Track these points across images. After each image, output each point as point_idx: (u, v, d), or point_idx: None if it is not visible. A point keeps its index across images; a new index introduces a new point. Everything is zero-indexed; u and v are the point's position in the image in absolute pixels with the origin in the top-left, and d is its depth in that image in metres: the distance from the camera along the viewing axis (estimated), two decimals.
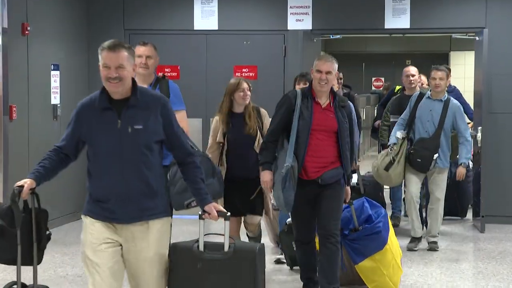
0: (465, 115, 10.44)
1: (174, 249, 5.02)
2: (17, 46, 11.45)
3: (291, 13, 13.17)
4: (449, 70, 10.63)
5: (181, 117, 6.53)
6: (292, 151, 7.00)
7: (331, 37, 15.89)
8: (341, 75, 12.06)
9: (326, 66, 7.01)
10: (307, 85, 8.52)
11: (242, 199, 7.89)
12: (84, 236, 4.79)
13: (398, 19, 13.16)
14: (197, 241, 4.94)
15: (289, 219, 8.36)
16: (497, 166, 12.81)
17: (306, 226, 7.31)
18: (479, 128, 12.35)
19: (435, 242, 9.99)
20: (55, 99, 13.05)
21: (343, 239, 7.51)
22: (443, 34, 16.40)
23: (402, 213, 11.44)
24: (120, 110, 4.68)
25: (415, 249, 9.83)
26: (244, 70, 12.88)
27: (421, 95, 9.99)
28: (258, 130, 7.96)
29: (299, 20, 13.12)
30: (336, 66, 7.16)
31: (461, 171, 9.74)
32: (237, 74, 12.59)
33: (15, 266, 4.91)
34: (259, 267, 4.98)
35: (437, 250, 9.95)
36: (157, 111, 4.76)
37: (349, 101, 7.82)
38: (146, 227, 4.75)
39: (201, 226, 4.96)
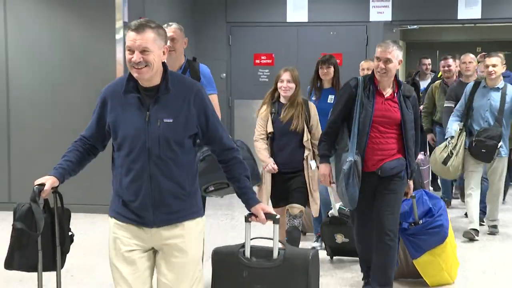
0: None
1: (217, 255, 4.48)
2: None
3: (373, 6, 13.63)
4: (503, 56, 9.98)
5: (212, 99, 5.83)
6: (354, 144, 6.35)
7: (409, 27, 15.82)
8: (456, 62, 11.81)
9: (385, 54, 6.13)
10: (331, 68, 8.68)
11: (283, 191, 7.35)
12: (110, 242, 4.28)
13: (470, 10, 13.50)
14: (243, 246, 4.42)
15: (331, 211, 8.18)
16: None
17: (368, 221, 6.68)
18: None
19: (495, 226, 9.59)
20: None
21: (402, 233, 7.09)
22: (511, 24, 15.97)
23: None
24: (149, 100, 4.05)
25: (476, 239, 9.25)
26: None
27: (476, 84, 9.36)
28: (305, 126, 7.30)
29: (380, 13, 13.57)
30: (398, 53, 6.20)
31: None
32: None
33: (35, 273, 4.34)
34: (312, 277, 4.38)
35: (497, 234, 9.53)
36: (190, 101, 4.06)
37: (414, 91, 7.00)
38: (178, 230, 4.12)
39: (247, 229, 4.38)
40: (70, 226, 4.37)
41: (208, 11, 14.52)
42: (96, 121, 4.17)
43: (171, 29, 6.26)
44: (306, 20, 13.87)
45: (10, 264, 4.18)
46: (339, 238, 7.94)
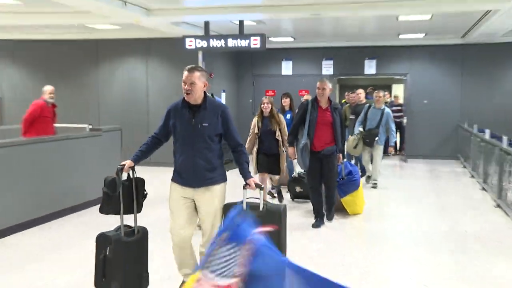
0: (392, 116, 10.39)
1: (225, 207, 4.62)
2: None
3: (323, 66, 15.74)
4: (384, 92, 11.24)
5: None
6: (306, 134, 6.88)
7: (342, 77, 16.68)
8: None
9: (321, 85, 6.94)
10: (288, 99, 9.23)
11: (266, 164, 7.81)
12: (170, 194, 4.67)
13: (370, 69, 15.57)
14: (242, 202, 4.55)
15: (294, 174, 8.85)
16: (412, 132, 15.25)
17: (316, 178, 7.21)
18: (405, 116, 15.50)
19: (376, 183, 10.48)
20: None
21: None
22: (389, 76, 17.53)
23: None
24: (194, 112, 4.38)
25: (377, 187, 10.35)
26: (303, 92, 13.88)
27: (369, 106, 10.20)
28: (277, 127, 7.72)
29: (327, 69, 15.80)
30: (328, 85, 7.01)
31: (391, 149, 10.33)
32: (300, 94, 13.96)
33: (118, 217, 4.60)
34: (283, 221, 4.58)
35: (376, 188, 10.39)
36: (218, 114, 4.44)
37: (340, 105, 7.79)
38: (209, 190, 4.50)
39: (245, 192, 4.54)
40: (145, 188, 4.73)
41: (243, 68, 16.46)
42: (163, 124, 4.58)
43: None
44: (291, 73, 16.08)
45: (101, 211, 4.62)
46: (298, 189, 8.74)
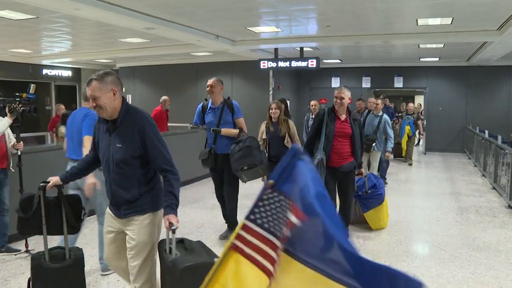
0: (390, 123, 8.52)
1: (162, 243, 2.93)
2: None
3: (363, 82, 15.58)
4: (385, 99, 9.09)
5: (240, 121, 5.39)
6: (321, 148, 5.17)
7: (377, 89, 16.28)
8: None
9: (339, 93, 5.15)
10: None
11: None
12: None
13: (398, 83, 15.37)
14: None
15: None
16: (430, 131, 14.83)
17: (332, 193, 5.35)
18: (425, 121, 14.66)
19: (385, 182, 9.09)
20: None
21: (358, 197, 6.28)
22: (412, 89, 16.97)
23: None
24: (112, 129, 2.92)
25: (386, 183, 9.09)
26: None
27: (369, 112, 8.69)
28: (286, 133, 6.14)
29: (366, 84, 15.67)
30: (347, 93, 5.22)
31: (388, 155, 8.27)
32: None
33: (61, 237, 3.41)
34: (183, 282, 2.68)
35: (387, 184, 9.07)
36: (134, 131, 2.87)
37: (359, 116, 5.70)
38: (132, 220, 2.98)
39: (167, 233, 2.79)
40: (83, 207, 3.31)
41: (302, 82, 16.34)
42: (93, 144, 3.21)
43: (211, 80, 5.46)
44: (338, 85, 15.00)
45: (19, 230, 3.22)
46: None
